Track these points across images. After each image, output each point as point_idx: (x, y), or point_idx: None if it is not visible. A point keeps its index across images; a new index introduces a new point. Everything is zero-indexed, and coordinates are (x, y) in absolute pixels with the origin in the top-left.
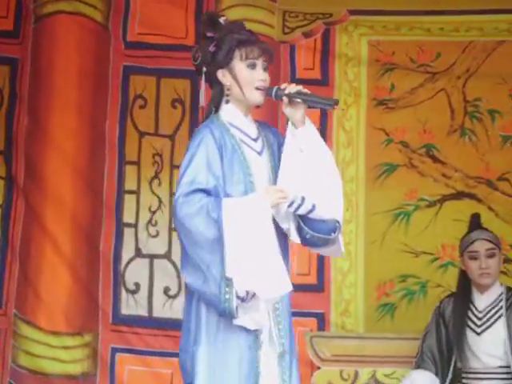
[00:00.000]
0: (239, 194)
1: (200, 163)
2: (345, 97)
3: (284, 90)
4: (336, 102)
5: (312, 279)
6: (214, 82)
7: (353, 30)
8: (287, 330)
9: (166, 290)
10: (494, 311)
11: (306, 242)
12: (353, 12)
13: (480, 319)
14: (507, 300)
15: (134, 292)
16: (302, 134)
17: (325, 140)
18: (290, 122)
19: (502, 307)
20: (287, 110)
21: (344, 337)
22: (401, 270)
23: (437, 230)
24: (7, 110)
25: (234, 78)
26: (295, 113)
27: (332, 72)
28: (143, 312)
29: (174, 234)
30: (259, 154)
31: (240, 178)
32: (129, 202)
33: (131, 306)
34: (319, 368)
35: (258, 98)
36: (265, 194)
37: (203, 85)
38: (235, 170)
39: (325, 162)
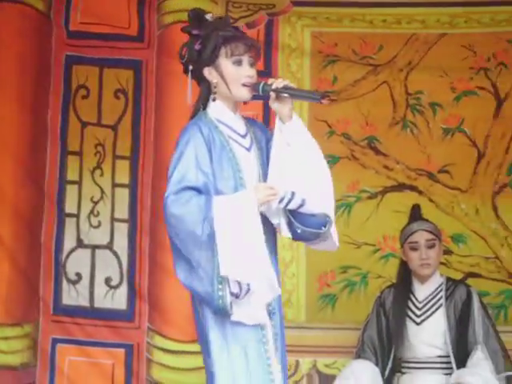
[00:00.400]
0: (229, 189)
1: (189, 161)
2: None
3: (271, 85)
4: (323, 96)
5: None
6: (200, 80)
7: (296, 21)
8: (279, 327)
9: (108, 281)
10: (433, 301)
11: (297, 236)
12: (296, 3)
13: (420, 309)
14: (447, 290)
15: (75, 282)
16: (289, 128)
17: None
18: (277, 117)
19: (441, 297)
20: (274, 105)
21: (285, 327)
22: (342, 261)
23: (378, 222)
24: None
25: (221, 75)
26: (282, 108)
27: (275, 63)
28: (84, 302)
29: (116, 225)
30: (248, 150)
31: (229, 174)
32: (71, 192)
33: (72, 297)
34: None
35: (244, 94)
36: (254, 191)
37: (190, 83)
38: (224, 166)
39: (312, 156)
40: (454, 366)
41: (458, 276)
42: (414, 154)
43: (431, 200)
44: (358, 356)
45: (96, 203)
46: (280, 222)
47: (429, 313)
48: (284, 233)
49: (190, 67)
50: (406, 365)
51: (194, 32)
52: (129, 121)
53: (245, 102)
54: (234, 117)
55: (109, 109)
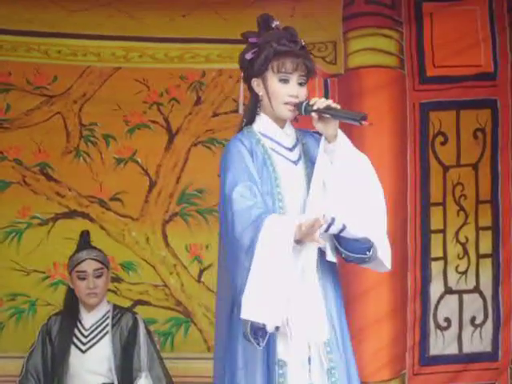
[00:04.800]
0: (268, 204)
1: (238, 166)
2: None
3: (313, 105)
4: (364, 117)
5: None
6: (251, 89)
7: None
8: (336, 344)
9: None
10: (100, 329)
11: (346, 261)
12: None
13: (86, 337)
14: (113, 318)
15: None
16: (332, 148)
17: None
18: (323, 137)
19: (108, 325)
20: (318, 126)
21: None
22: (10, 288)
23: (49, 249)
24: None
25: (266, 89)
26: (327, 128)
27: None
28: None
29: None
30: (294, 163)
31: (268, 189)
32: None
33: None
34: None
35: (286, 113)
36: (297, 229)
37: (241, 90)
38: (264, 180)
39: (357, 176)
40: None
41: (127, 303)
42: (87, 181)
43: (103, 227)
44: None
45: None
46: (325, 245)
47: (95, 340)
48: (328, 257)
49: (242, 74)
50: None
51: (251, 40)
52: None
53: (295, 119)
54: (279, 130)
55: None
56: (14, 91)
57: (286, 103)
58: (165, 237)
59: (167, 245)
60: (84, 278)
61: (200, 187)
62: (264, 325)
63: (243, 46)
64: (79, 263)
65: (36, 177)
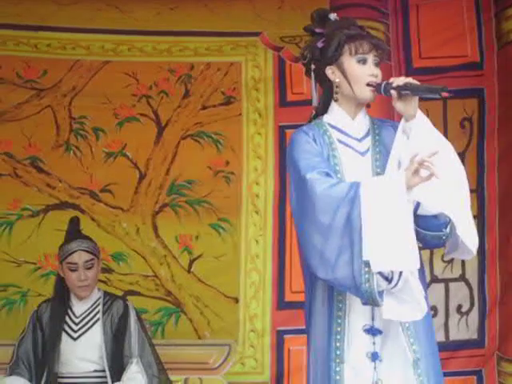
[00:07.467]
0: None
1: (308, 151)
2: None
3: (392, 83)
4: (443, 89)
5: None
6: (323, 81)
7: None
8: (417, 334)
9: None
10: (90, 316)
11: (422, 242)
12: None
13: (77, 324)
14: (104, 305)
15: None
16: (410, 126)
17: None
18: (402, 119)
19: (99, 312)
20: (398, 105)
21: None
22: (1, 279)
23: (40, 240)
24: None
25: (343, 73)
26: (406, 107)
27: None
28: None
29: None
30: (362, 154)
31: None
32: None
33: None
34: None
35: (368, 94)
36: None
37: (313, 83)
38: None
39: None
40: (109, 380)
41: (118, 294)
42: (77, 173)
43: (93, 219)
44: (12, 372)
45: None
46: None
47: (86, 328)
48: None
49: (313, 66)
50: (62, 380)
51: (318, 30)
52: None
53: (368, 105)
54: (350, 120)
55: None
56: (3, 85)
57: (368, 84)
58: (155, 228)
59: (157, 236)
60: (75, 270)
61: (189, 178)
62: (389, 279)
63: (231, 39)
64: (70, 254)
65: (27, 169)
